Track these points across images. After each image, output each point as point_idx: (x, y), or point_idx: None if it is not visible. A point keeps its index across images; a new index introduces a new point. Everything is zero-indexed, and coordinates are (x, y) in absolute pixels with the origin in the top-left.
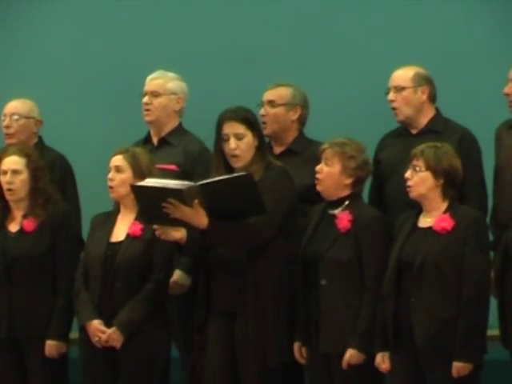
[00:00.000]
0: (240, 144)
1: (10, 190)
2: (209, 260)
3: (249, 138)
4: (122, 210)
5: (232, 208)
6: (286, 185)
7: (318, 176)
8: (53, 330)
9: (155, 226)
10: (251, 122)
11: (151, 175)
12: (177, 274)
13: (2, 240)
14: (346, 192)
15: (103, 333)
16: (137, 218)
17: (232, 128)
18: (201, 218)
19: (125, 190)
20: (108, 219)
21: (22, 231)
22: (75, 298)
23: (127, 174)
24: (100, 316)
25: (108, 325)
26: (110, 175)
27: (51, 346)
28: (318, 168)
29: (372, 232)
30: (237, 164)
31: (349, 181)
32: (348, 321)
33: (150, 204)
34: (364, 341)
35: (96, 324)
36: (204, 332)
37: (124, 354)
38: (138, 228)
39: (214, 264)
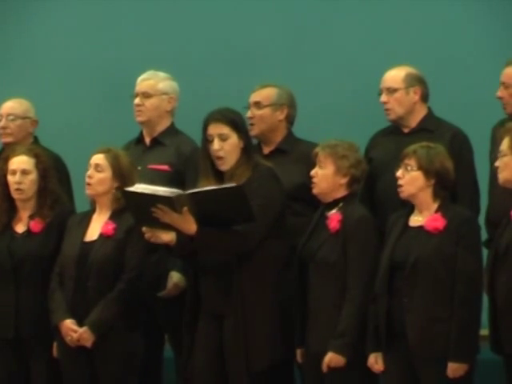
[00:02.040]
0: (224, 145)
1: (19, 189)
2: (198, 261)
3: (233, 139)
4: (98, 209)
5: (221, 216)
6: (274, 187)
7: (313, 180)
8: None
9: (144, 229)
10: (236, 123)
11: (131, 177)
12: (174, 276)
13: (8, 241)
14: (342, 193)
15: (75, 332)
16: (111, 218)
17: (216, 129)
18: (190, 225)
19: (102, 188)
20: (83, 219)
21: (29, 232)
22: (50, 298)
23: (106, 174)
24: (73, 315)
25: (81, 324)
26: (89, 172)
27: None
28: (312, 172)
29: (358, 232)
30: (223, 167)
31: (344, 180)
32: (335, 321)
33: (139, 209)
34: (343, 342)
35: (68, 323)
36: (193, 332)
37: (98, 354)
38: (111, 227)
39: (203, 265)
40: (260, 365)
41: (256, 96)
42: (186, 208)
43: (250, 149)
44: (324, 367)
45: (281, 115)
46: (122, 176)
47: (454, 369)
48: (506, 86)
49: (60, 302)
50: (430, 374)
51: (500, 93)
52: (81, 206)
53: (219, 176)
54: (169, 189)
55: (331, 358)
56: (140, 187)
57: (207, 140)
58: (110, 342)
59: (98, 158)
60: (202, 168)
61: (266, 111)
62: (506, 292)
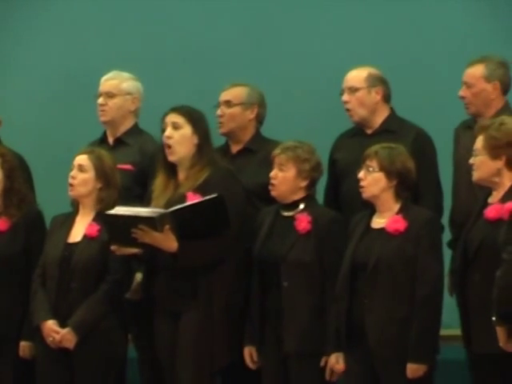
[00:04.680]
0: (174, 134)
1: None
2: (153, 260)
3: (186, 130)
4: (81, 210)
5: (200, 227)
6: (238, 191)
7: (272, 182)
8: (26, 331)
9: (113, 247)
10: (192, 116)
11: (114, 178)
12: (139, 277)
13: None
14: (301, 194)
15: (57, 333)
16: (95, 219)
17: (171, 118)
18: (171, 243)
19: (85, 189)
20: (66, 220)
21: None
22: (32, 299)
23: (90, 174)
24: (55, 316)
25: (63, 325)
26: (73, 173)
27: (24, 347)
28: (272, 174)
29: (333, 233)
30: (170, 156)
31: (304, 183)
32: (310, 322)
33: (118, 230)
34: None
35: (50, 324)
36: (151, 331)
37: (79, 355)
38: (95, 229)
39: (158, 265)
40: (213, 367)
41: (226, 95)
42: (167, 226)
43: (205, 147)
44: (328, 373)
45: (251, 114)
46: (106, 176)
47: (413, 369)
48: (468, 85)
49: (42, 302)
50: (390, 375)
51: (462, 92)
52: (44, 207)
53: (172, 169)
54: (150, 209)
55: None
56: (121, 209)
57: (163, 130)
58: (92, 342)
59: (82, 159)
60: (159, 159)
61: (236, 110)
62: (479, 291)
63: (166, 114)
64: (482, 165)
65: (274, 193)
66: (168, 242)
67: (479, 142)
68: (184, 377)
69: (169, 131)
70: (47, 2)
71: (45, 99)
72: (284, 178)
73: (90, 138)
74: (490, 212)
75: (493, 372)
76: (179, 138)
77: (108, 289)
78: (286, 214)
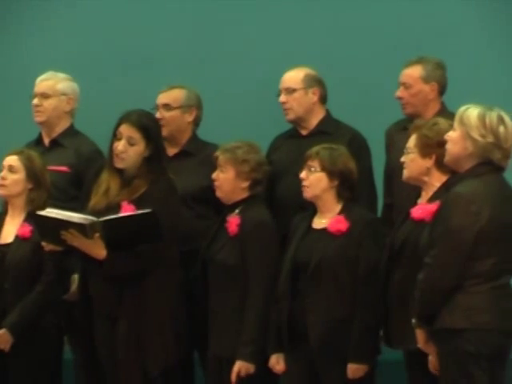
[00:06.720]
0: (129, 149)
1: None
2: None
3: (140, 146)
4: (10, 211)
5: (130, 239)
6: (173, 207)
7: (215, 183)
8: None
9: (44, 244)
10: (150, 132)
11: (44, 178)
12: (77, 279)
13: None
14: (245, 195)
15: None
16: (27, 220)
17: (128, 131)
18: (99, 250)
19: (16, 189)
20: None
21: None
22: None
23: (20, 175)
24: None
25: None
26: (3, 174)
27: None
28: (214, 175)
29: (256, 236)
30: (118, 164)
31: (245, 184)
32: (234, 324)
33: (48, 230)
34: (252, 350)
35: None
36: (90, 332)
37: (13, 355)
38: (28, 229)
39: (93, 265)
40: (154, 368)
41: (165, 97)
42: (97, 234)
43: (155, 160)
44: (233, 377)
45: (190, 117)
46: (36, 177)
47: (353, 370)
48: (406, 86)
49: None
50: (331, 375)
51: (400, 93)
52: None
53: (121, 171)
54: (82, 215)
55: (240, 367)
56: (53, 212)
57: (115, 136)
58: (26, 343)
59: (12, 160)
60: (107, 161)
61: (175, 113)
62: (399, 290)
63: (121, 121)
64: (411, 163)
65: (218, 194)
66: (96, 249)
67: (412, 140)
68: (127, 378)
69: (123, 145)
70: None
71: None
72: (224, 179)
73: (26, 139)
74: (416, 212)
75: (423, 370)
76: (133, 154)
77: (43, 289)
78: (227, 215)
